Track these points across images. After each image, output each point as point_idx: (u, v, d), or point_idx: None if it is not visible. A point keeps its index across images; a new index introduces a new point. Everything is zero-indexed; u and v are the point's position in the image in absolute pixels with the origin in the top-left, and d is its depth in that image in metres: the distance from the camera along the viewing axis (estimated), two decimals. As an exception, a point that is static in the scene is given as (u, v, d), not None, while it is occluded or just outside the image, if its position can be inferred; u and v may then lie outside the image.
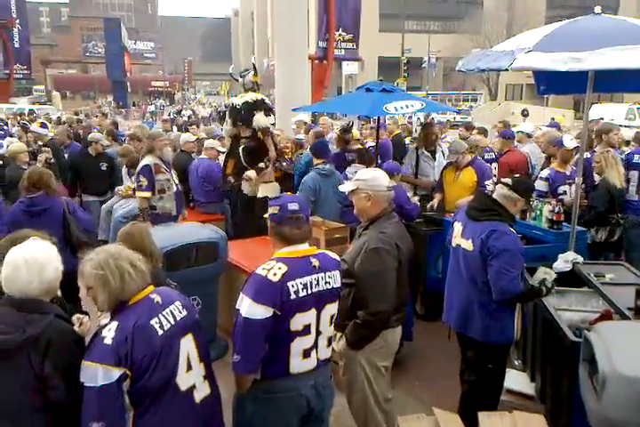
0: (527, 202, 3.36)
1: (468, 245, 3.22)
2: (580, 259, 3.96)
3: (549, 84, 4.71)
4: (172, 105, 44.22)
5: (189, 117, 19.67)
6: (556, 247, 4.12)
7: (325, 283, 2.40)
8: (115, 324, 2.02)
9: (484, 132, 8.20)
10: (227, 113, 6.42)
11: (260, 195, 5.95)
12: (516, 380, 3.80)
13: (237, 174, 6.15)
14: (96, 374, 1.92)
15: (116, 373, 1.93)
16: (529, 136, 7.67)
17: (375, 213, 2.99)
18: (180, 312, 2.19)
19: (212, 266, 4.38)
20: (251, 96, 6.07)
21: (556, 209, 4.49)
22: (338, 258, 2.59)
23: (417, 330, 4.58)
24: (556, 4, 56.82)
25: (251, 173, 5.97)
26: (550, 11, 53.12)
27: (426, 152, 6.20)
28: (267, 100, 6.35)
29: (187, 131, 9.83)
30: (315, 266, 2.39)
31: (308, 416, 2.45)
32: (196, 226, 4.92)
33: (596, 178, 5.41)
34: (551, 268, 3.59)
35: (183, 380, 2.14)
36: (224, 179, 6.38)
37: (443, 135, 7.57)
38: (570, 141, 5.45)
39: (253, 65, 6.50)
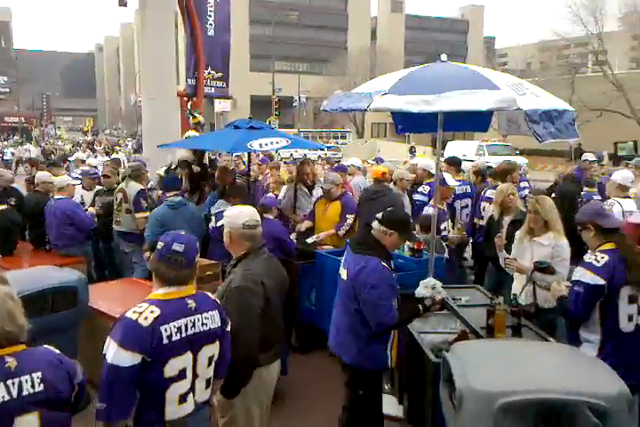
0: (403, 233, 3.36)
1: (344, 274, 3.36)
2: (439, 284, 4.21)
3: (406, 123, 5.05)
4: (29, 141, 41.12)
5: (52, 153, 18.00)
6: (418, 274, 4.35)
7: (202, 324, 2.34)
8: None
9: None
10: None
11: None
12: (386, 403, 3.90)
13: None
14: None
15: None
16: (359, 169, 8.75)
17: (237, 250, 2.98)
18: (33, 387, 1.87)
19: (70, 312, 4.06)
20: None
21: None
22: (216, 298, 2.54)
23: (292, 363, 4.56)
24: (412, 51, 62.30)
25: None
26: (407, 56, 58.00)
27: (303, 188, 6.49)
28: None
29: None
30: (191, 307, 2.32)
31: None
32: (52, 269, 4.56)
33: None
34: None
35: None
36: None
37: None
38: (451, 180, 5.93)
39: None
